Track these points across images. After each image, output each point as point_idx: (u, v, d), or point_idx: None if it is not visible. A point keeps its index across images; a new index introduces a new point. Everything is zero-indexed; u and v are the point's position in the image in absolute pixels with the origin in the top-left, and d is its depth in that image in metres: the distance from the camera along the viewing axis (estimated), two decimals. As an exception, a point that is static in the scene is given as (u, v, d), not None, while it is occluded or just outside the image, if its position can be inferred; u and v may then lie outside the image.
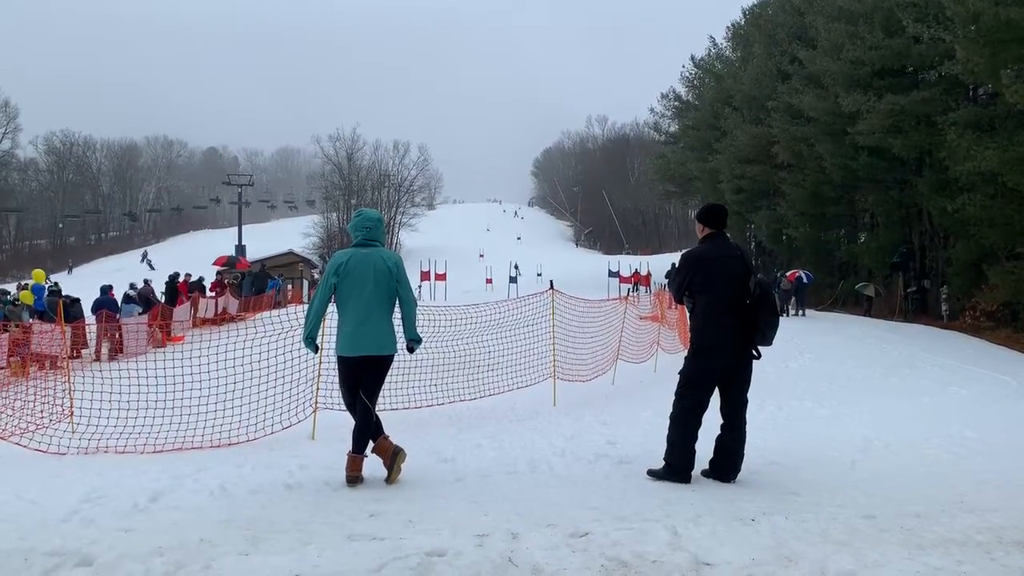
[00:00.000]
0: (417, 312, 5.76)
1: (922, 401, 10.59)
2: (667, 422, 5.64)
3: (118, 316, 18.48)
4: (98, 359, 15.74)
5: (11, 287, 25.35)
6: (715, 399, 5.54)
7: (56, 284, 21.24)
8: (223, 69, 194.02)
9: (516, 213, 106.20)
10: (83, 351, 16.37)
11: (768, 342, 5.38)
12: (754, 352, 5.42)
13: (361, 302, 5.38)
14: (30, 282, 19.77)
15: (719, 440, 5.49)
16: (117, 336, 16.40)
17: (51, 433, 7.51)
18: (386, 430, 5.75)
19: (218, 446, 7.16)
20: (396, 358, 5.77)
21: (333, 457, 5.77)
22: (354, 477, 5.38)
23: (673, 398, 5.57)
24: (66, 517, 4.58)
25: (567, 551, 3.90)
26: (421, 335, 5.82)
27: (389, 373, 5.80)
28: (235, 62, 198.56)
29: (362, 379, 5.45)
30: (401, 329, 5.62)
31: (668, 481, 5.34)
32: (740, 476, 5.46)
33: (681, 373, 5.54)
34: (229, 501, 5.01)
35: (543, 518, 4.41)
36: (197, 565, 3.83)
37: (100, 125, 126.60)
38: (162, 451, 6.94)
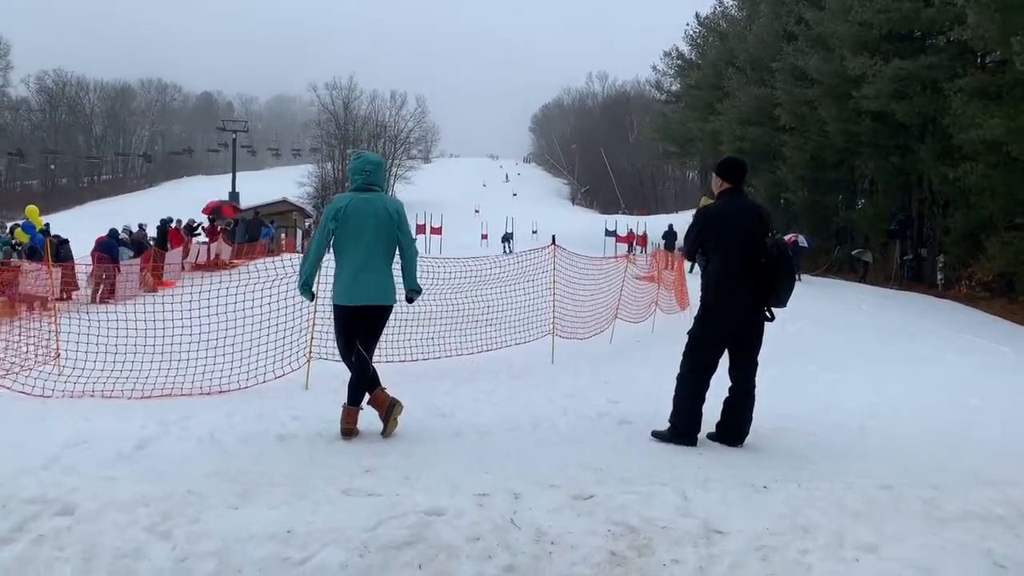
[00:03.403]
0: (418, 262, 5.53)
1: (922, 369, 10.49)
2: (669, 383, 5.47)
3: (118, 260, 18.18)
4: (94, 301, 15.46)
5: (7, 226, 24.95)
6: (724, 361, 5.35)
7: (47, 224, 20.85)
8: (219, 12, 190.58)
9: (507, 178, 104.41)
10: (74, 293, 16.08)
11: (782, 304, 5.18)
12: (767, 313, 5.22)
13: (360, 249, 5.13)
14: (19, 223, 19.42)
15: (727, 403, 5.30)
16: (109, 278, 16.14)
17: (36, 375, 7.28)
18: (383, 383, 5.56)
19: (208, 393, 6.95)
20: (394, 309, 5.56)
21: (328, 408, 5.57)
22: (349, 429, 5.19)
23: (680, 359, 5.38)
24: (46, 463, 4.38)
25: (571, 514, 3.74)
26: (421, 286, 5.59)
27: (388, 324, 5.59)
28: (232, 5, 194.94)
29: (359, 330, 5.23)
30: (401, 278, 5.38)
31: (673, 443, 5.16)
32: (747, 441, 5.29)
33: (690, 333, 5.34)
34: (219, 451, 4.82)
35: (546, 478, 4.25)
36: (184, 518, 3.65)
37: (94, 66, 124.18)
38: (150, 397, 6.72)
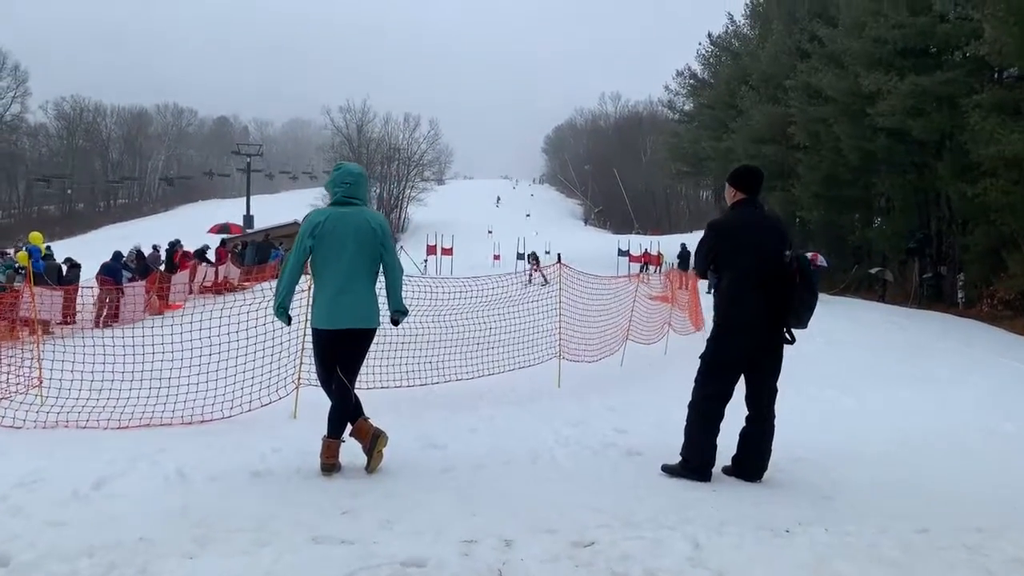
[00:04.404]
0: (404, 281, 5.11)
1: (948, 391, 9.95)
2: (682, 410, 5.01)
3: (122, 283, 17.95)
4: (97, 325, 15.16)
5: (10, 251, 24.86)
6: (740, 388, 4.88)
7: (49, 248, 20.68)
8: (235, 38, 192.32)
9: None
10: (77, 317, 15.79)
11: (803, 324, 4.72)
12: (786, 335, 4.77)
13: (340, 268, 4.71)
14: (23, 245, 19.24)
15: (743, 434, 4.83)
16: (111, 302, 15.88)
17: (12, 404, 6.89)
18: (373, 409, 5.14)
19: (189, 423, 6.55)
20: (383, 331, 5.15)
21: (312, 439, 5.14)
22: (330, 465, 4.76)
23: (692, 385, 4.93)
24: (-8, 504, 3.99)
25: (569, 564, 3.31)
26: (410, 307, 5.18)
27: (378, 348, 5.18)
28: (247, 31, 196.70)
29: (340, 355, 4.82)
30: (385, 299, 4.96)
31: (685, 479, 4.70)
32: (765, 476, 4.82)
33: (702, 357, 4.88)
34: (184, 489, 4.42)
35: (542, 521, 3.81)
36: (131, 569, 3.27)
37: (111, 91, 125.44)
38: (127, 427, 6.32)
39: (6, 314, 13.11)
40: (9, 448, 5.45)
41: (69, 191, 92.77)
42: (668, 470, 4.84)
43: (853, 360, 12.15)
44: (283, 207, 66.74)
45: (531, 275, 19.35)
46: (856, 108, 27.29)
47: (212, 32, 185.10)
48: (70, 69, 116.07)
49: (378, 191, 77.01)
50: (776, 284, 4.66)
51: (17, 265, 18.04)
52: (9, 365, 8.06)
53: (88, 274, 19.54)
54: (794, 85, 31.06)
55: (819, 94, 29.63)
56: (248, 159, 75.05)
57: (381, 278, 4.92)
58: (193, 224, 56.84)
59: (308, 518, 3.88)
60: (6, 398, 7.36)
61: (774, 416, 4.85)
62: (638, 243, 49.26)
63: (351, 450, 4.91)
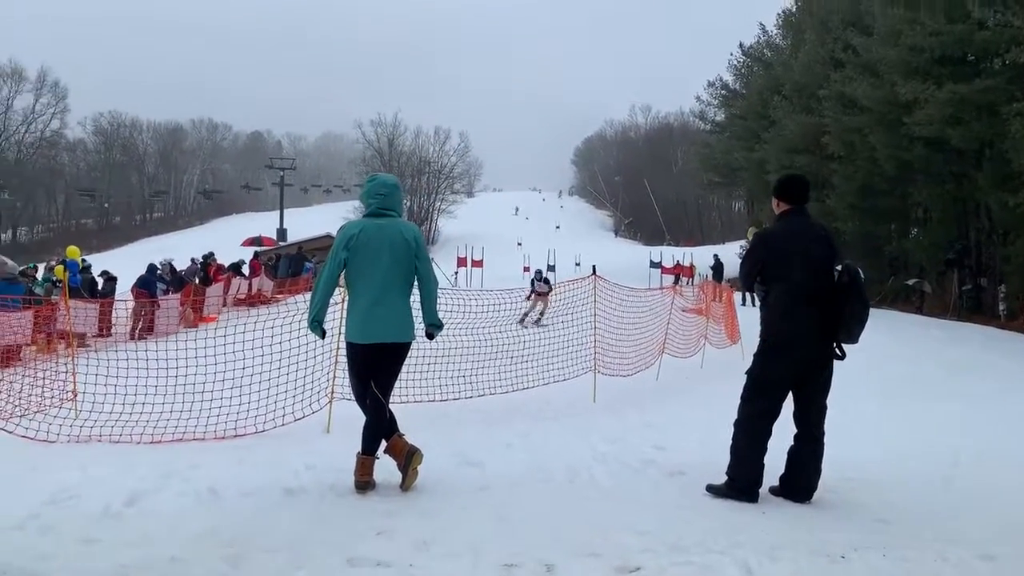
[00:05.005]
0: (439, 293, 5.00)
1: (995, 408, 9.61)
2: (724, 426, 4.83)
3: (157, 295, 18.11)
4: (132, 338, 15.27)
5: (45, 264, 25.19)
6: (788, 404, 4.69)
7: (85, 261, 20.92)
8: (269, 54, 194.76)
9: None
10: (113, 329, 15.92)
11: (854, 339, 4.51)
12: (836, 351, 4.58)
13: (375, 280, 4.61)
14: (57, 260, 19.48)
15: (792, 453, 4.64)
16: (146, 314, 15.99)
17: (47, 418, 6.88)
18: (407, 424, 5.03)
19: (222, 438, 6.49)
20: (417, 345, 5.03)
21: (346, 455, 5.02)
22: (364, 482, 4.65)
23: (734, 400, 4.75)
24: (23, 522, 3.92)
25: (613, 591, 3.15)
26: (444, 320, 5.06)
27: (412, 361, 5.06)
28: (280, 47, 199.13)
29: (374, 370, 4.71)
30: (420, 312, 4.85)
31: (731, 500, 4.51)
32: (815, 496, 4.62)
33: (749, 373, 4.69)
34: (217, 507, 4.33)
35: (584, 544, 3.66)
36: (162, 592, 3.15)
37: (147, 107, 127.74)
38: (160, 442, 6.28)
39: (43, 327, 13.24)
40: (43, 463, 5.40)
41: (106, 205, 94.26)
42: (713, 490, 4.66)
43: (894, 374, 11.85)
44: (316, 220, 67.23)
45: (531, 295, 17.00)
46: (892, 117, 26.89)
47: (247, 48, 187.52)
48: (108, 85, 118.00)
49: (408, 203, 77.33)
50: (826, 297, 4.47)
51: (55, 279, 18.26)
52: (43, 379, 8.07)
53: (124, 287, 19.74)
54: (828, 95, 30.71)
55: (854, 104, 29.24)
56: (281, 173, 76.00)
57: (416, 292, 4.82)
58: (228, 237, 57.44)
59: (342, 538, 3.76)
60: (41, 411, 7.36)
61: (823, 434, 4.66)
62: (670, 255, 48.91)
63: (386, 467, 4.79)
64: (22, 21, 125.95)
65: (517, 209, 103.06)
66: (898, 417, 8.46)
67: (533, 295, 17.03)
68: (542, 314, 16.31)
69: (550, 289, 16.53)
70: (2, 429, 6.58)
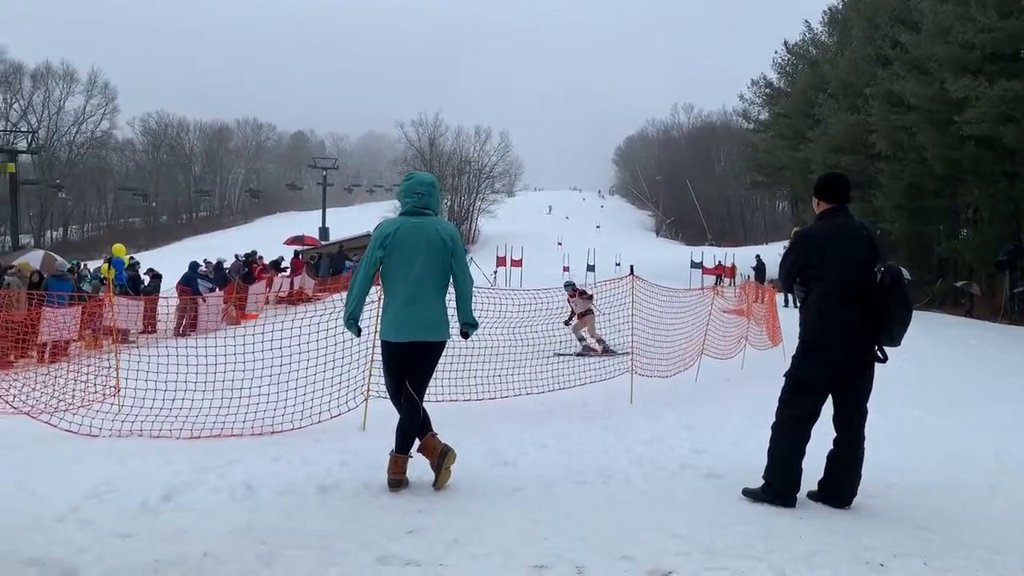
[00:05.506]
0: (474, 292, 4.98)
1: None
2: (762, 429, 4.75)
3: (200, 293, 18.43)
4: (176, 334, 15.55)
5: (99, 262, 25.75)
6: (828, 408, 4.59)
7: (133, 259, 21.36)
8: (312, 52, 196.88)
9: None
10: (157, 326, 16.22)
11: (896, 342, 4.40)
12: (878, 353, 4.46)
13: (410, 279, 4.62)
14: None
15: (831, 457, 4.53)
16: (190, 311, 16.28)
17: (90, 412, 7.01)
18: (441, 423, 5.04)
19: (259, 434, 6.55)
20: (451, 344, 5.03)
21: (380, 453, 5.02)
22: (397, 480, 4.66)
23: (775, 404, 4.66)
24: (63, 514, 4.00)
25: (645, 595, 3.10)
26: (479, 319, 5.05)
27: (447, 360, 5.06)
28: (323, 48, 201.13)
29: (409, 368, 4.72)
30: (455, 311, 4.85)
31: (768, 504, 4.42)
32: (854, 502, 4.51)
33: (788, 375, 4.60)
34: (252, 504, 4.36)
35: (616, 547, 3.61)
36: (195, 587, 3.18)
37: (194, 107, 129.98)
38: (199, 437, 6.36)
39: (90, 323, 13.54)
40: (85, 456, 5.50)
41: (154, 204, 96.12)
42: (750, 494, 4.58)
43: (941, 379, 11.57)
44: (358, 219, 67.84)
45: (572, 317, 13.43)
46: (942, 115, 26.35)
47: (290, 50, 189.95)
48: (155, 86, 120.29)
49: (448, 203, 77.63)
50: (867, 298, 4.37)
51: (102, 276, 18.66)
52: (88, 374, 8.23)
53: (168, 284, 20.13)
54: (875, 93, 30.20)
55: (901, 102, 28.69)
56: (324, 172, 76.88)
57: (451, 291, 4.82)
58: (271, 236, 58.18)
59: (374, 537, 3.76)
60: (85, 406, 7.51)
61: (864, 438, 4.55)
62: (711, 255, 48.45)
63: (419, 464, 4.79)
64: (75, 24, 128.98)
65: (550, 208, 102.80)
66: (943, 421, 8.25)
67: (575, 317, 13.51)
68: (593, 336, 13.21)
69: (590, 298, 13.46)
70: (47, 423, 6.73)
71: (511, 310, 9.23)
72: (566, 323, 13.07)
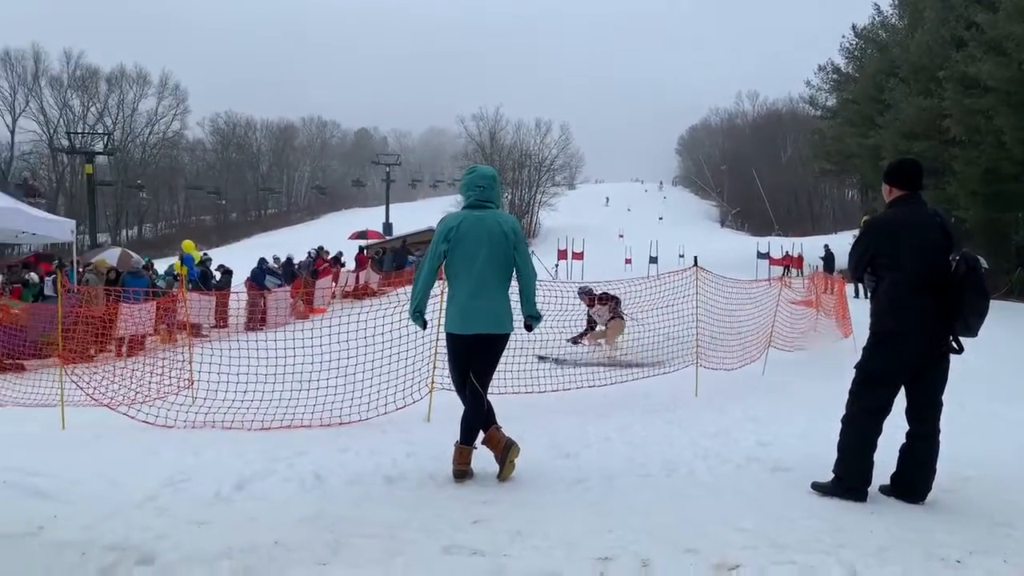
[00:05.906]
0: (537, 285, 5.00)
1: None
2: (831, 422, 4.66)
3: (268, 288, 18.85)
4: (247, 329, 15.93)
5: (170, 260, 26.57)
6: (900, 400, 4.48)
7: (206, 255, 21.96)
8: (375, 53, 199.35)
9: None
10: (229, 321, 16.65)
11: (973, 333, 4.26)
12: (953, 344, 4.33)
13: (473, 272, 4.67)
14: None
15: (904, 451, 4.42)
16: (259, 307, 16.65)
17: (166, 404, 7.25)
18: (505, 415, 5.08)
19: (328, 426, 6.68)
20: (515, 336, 5.05)
21: (445, 444, 5.09)
22: (462, 471, 4.72)
23: (845, 396, 4.56)
24: (142, 502, 4.16)
25: (711, 589, 3.08)
26: (543, 312, 5.06)
27: (510, 353, 5.10)
28: (385, 46, 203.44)
29: (473, 360, 4.76)
30: (518, 303, 4.87)
31: (838, 498, 4.33)
32: (928, 497, 4.39)
33: (858, 367, 4.49)
34: (321, 493, 4.47)
35: (681, 540, 3.59)
36: (266, 573, 3.28)
37: (261, 107, 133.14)
38: (269, 428, 6.52)
39: (164, 318, 13.96)
40: (162, 447, 5.69)
41: (223, 202, 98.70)
42: (819, 488, 4.49)
43: (1020, 370, 11.17)
44: (421, 214, 68.54)
45: (589, 324, 11.49)
46: (1020, 97, 25.37)
47: (352, 48, 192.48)
48: (225, 86, 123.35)
49: (509, 196, 77.79)
50: (942, 288, 4.24)
51: (175, 273, 19.25)
52: (163, 367, 8.50)
53: (238, 280, 20.65)
54: (949, 76, 29.19)
55: (977, 84, 27.68)
56: (387, 169, 77.78)
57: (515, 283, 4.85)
58: (337, 232, 59.14)
59: (440, 526, 3.82)
60: (160, 398, 7.76)
61: (939, 431, 4.42)
62: (778, 245, 47.57)
63: (484, 456, 4.84)
64: (146, 25, 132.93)
65: (608, 200, 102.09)
66: (1021, 414, 7.96)
67: (601, 326, 11.55)
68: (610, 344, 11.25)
69: (616, 302, 11.37)
70: (125, 415, 6.98)
71: (574, 303, 9.20)
72: (575, 341, 11.01)
